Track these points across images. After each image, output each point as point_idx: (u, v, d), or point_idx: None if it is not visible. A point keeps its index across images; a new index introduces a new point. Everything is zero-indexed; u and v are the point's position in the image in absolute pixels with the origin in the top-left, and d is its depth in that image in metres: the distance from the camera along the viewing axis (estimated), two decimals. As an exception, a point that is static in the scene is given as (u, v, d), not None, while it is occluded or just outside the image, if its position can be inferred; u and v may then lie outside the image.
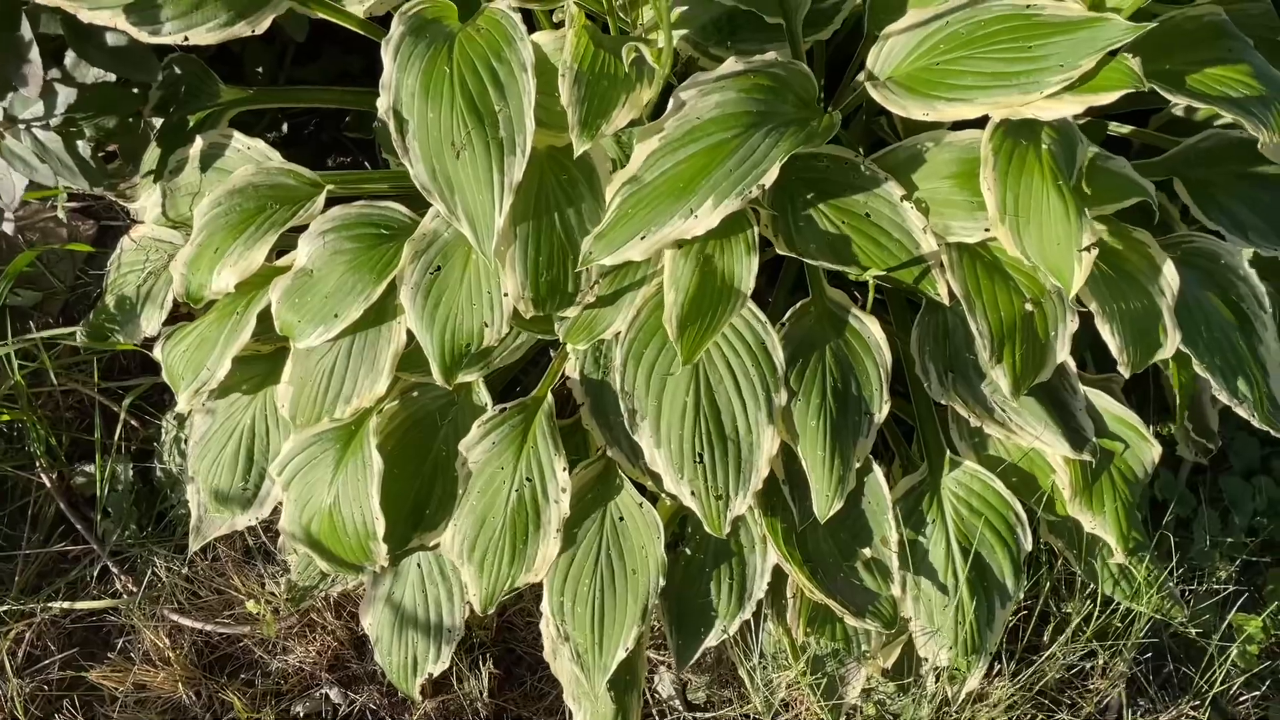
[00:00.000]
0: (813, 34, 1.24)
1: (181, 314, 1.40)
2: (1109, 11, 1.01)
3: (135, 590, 1.44)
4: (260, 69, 1.58)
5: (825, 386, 1.15)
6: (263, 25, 1.18)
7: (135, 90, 1.36)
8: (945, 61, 1.07)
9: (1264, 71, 1.15)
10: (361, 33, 1.28)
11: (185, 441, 1.47)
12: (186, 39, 1.16)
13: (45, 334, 1.38)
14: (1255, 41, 1.21)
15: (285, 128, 1.67)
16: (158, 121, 1.39)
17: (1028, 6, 1.04)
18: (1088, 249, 1.04)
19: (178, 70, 1.37)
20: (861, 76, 1.15)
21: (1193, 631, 1.37)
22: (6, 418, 1.42)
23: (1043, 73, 1.00)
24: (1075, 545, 1.30)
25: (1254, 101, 1.12)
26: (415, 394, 1.26)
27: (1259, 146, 1.13)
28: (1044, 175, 1.06)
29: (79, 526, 1.48)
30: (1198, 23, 1.17)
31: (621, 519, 1.22)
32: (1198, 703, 1.37)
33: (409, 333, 1.19)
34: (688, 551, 1.27)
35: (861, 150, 1.36)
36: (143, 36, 1.15)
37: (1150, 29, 1.04)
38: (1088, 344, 1.31)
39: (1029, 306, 1.12)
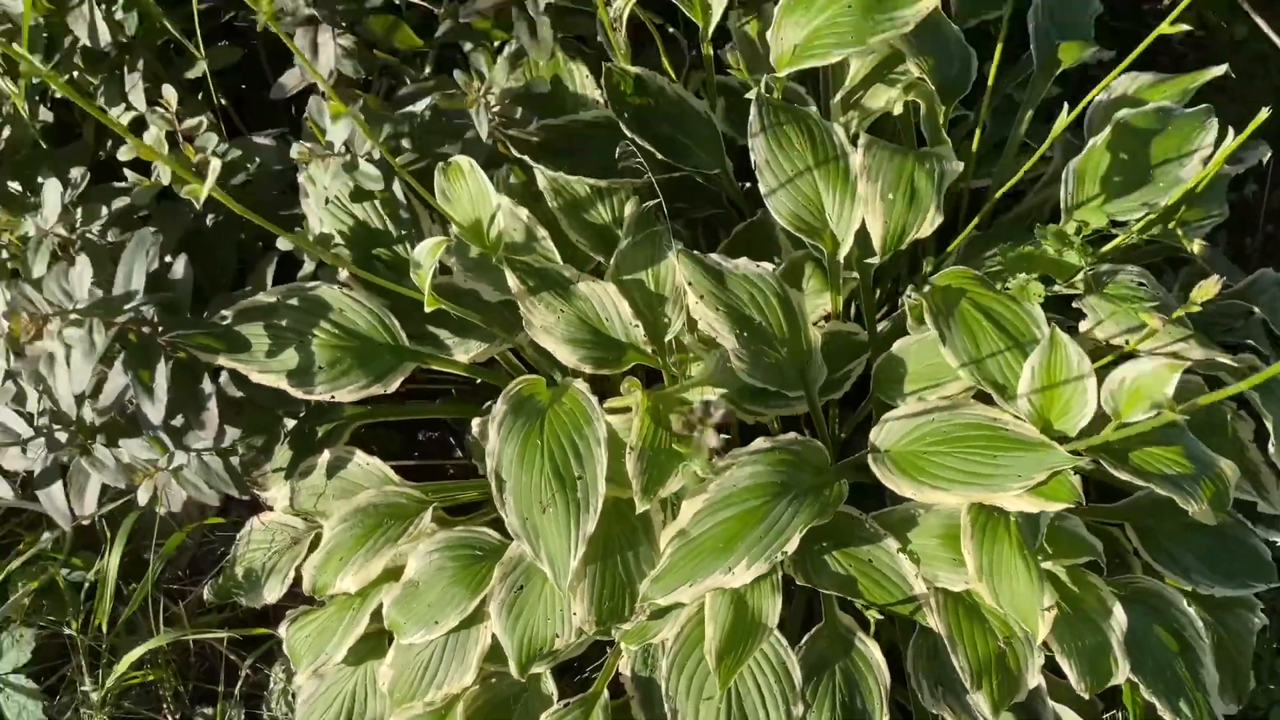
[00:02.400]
0: (827, 395, 1.53)
1: (297, 582, 1.68)
2: (1054, 440, 1.29)
3: (244, 826, 1.68)
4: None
5: (835, 700, 1.40)
6: (394, 386, 1.49)
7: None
8: (930, 451, 1.35)
9: (1194, 451, 1.42)
10: (464, 374, 1.60)
11: (293, 696, 1.73)
12: (333, 396, 1.47)
13: (195, 636, 1.67)
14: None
15: (384, 413, 1.97)
16: (288, 422, 1.70)
17: (994, 420, 1.32)
18: (1049, 608, 1.30)
19: (312, 392, 1.68)
20: (868, 441, 1.44)
21: None
22: (151, 677, 1.69)
23: (1005, 479, 1.28)
24: (1053, 833, 1.51)
25: (1185, 479, 1.39)
26: (494, 680, 1.52)
27: (1190, 514, 1.39)
28: (1012, 544, 1.33)
29: (196, 765, 1.74)
30: (1140, 409, 1.45)
31: (669, 803, 1.46)
32: None
33: (493, 635, 1.45)
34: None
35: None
36: (298, 394, 1.47)
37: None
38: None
39: (1002, 645, 1.37)
